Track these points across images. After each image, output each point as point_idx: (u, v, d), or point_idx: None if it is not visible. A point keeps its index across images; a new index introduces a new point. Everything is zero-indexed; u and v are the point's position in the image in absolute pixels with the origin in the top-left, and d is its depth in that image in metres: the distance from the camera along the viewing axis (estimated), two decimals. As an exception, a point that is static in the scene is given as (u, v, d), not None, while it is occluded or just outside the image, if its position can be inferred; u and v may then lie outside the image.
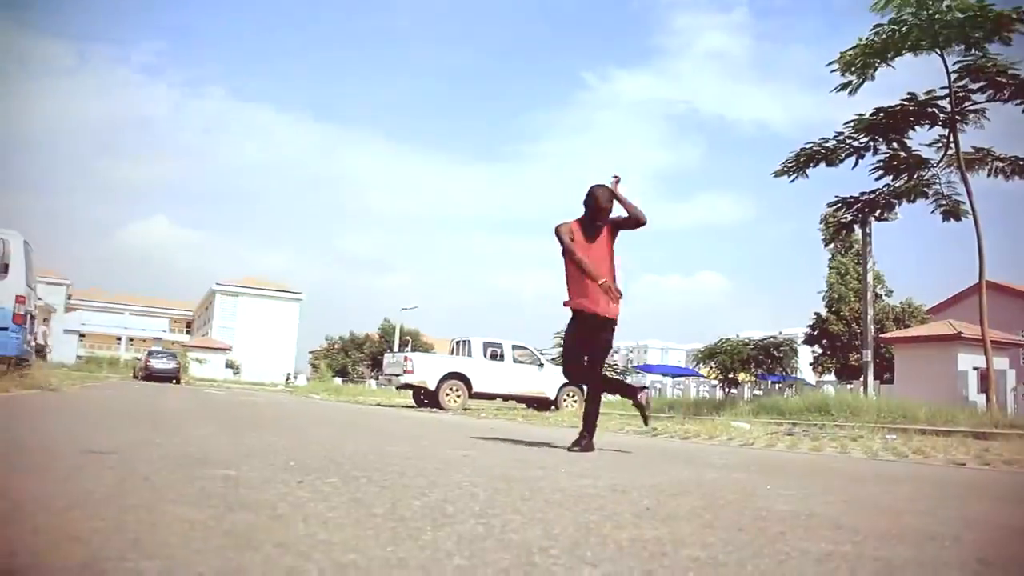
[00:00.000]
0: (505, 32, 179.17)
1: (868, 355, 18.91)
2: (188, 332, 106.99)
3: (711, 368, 40.45)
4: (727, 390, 34.62)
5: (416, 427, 9.69)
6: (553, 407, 20.52)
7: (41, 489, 2.43)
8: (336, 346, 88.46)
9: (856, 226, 18.87)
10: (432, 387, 20.25)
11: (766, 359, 40.28)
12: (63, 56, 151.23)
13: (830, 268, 48.56)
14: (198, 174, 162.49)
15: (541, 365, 21.55)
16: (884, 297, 46.23)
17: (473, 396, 20.69)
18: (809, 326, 50.38)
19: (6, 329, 12.19)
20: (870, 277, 19.37)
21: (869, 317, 19.14)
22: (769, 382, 37.41)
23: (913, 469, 6.10)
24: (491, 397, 21.43)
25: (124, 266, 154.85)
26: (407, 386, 20.85)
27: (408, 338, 71.09)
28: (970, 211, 16.27)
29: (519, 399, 21.63)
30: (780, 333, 45.33)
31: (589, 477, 3.77)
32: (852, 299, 47.06)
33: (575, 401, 21.12)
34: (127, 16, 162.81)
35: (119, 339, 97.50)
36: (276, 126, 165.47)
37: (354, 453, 4.54)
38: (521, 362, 21.52)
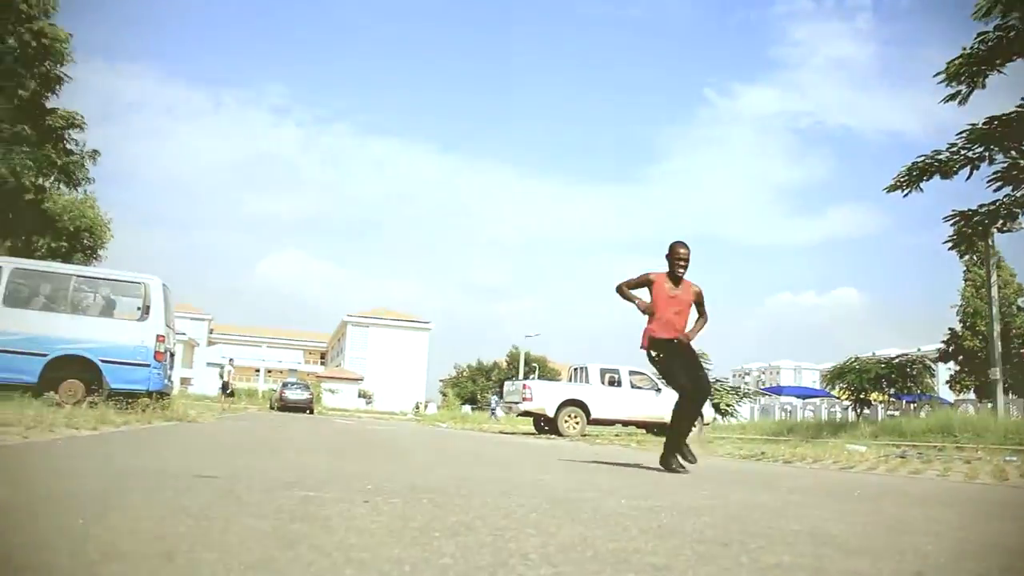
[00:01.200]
0: (620, 52, 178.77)
1: (996, 372, 18.33)
2: (322, 363, 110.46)
3: (841, 389, 39.51)
4: (859, 411, 33.76)
5: (519, 454, 10.07)
6: (672, 432, 20.57)
7: (145, 504, 2.96)
8: (464, 374, 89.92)
9: (977, 240, 18.41)
10: (551, 414, 20.63)
11: (899, 378, 39.03)
12: (201, 101, 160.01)
13: (965, 281, 46.70)
14: (328, 208, 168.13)
15: (659, 390, 21.63)
16: (1027, 310, 44.23)
17: (592, 422, 20.95)
18: (943, 342, 48.47)
19: (148, 366, 13.31)
20: (995, 291, 18.81)
21: (996, 332, 18.56)
22: (903, 402, 36.32)
23: (996, 494, 6.08)
24: (610, 423, 21.64)
25: (260, 299, 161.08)
26: (527, 413, 21.32)
27: (535, 364, 71.74)
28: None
29: (638, 424, 21.80)
30: (918, 350, 43.93)
31: (638, 498, 4.08)
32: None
33: (694, 426, 21.18)
34: (255, 61, 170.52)
35: (257, 370, 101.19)
36: (402, 158, 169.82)
37: (438, 477, 4.98)
38: (639, 387, 21.65)
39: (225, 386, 34.95)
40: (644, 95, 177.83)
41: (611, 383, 21.57)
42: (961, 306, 46.54)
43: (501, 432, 22.76)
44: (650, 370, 23.10)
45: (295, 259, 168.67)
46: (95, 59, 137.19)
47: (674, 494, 4.47)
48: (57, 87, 22.18)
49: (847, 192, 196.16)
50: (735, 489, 5.20)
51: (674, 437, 6.88)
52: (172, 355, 14.85)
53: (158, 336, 13.51)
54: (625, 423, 21.82)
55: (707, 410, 22.13)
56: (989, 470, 8.04)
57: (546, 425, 21.09)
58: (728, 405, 43.41)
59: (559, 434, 20.10)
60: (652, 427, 21.33)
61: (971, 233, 18.13)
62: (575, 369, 23.46)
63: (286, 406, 42.58)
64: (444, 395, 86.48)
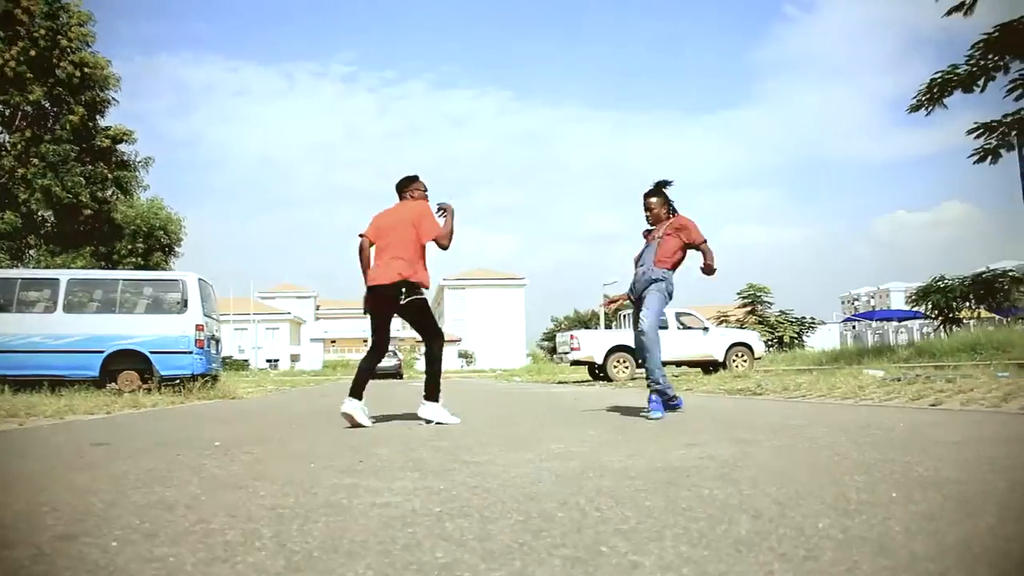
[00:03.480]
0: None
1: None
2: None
3: (928, 309, 38.80)
4: (948, 330, 33.25)
5: (554, 402, 10.58)
6: (723, 367, 21.01)
7: (143, 464, 3.81)
8: (563, 326, 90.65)
9: (1003, 151, 18.03)
10: (599, 361, 21.26)
11: (987, 294, 38.12)
12: (274, 79, 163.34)
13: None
14: (411, 170, 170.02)
15: (706, 329, 22.05)
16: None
17: (640, 366, 21.41)
18: (1041, 252, 46.81)
19: (191, 353, 14.63)
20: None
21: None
22: (998, 319, 35.49)
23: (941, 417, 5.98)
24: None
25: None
26: (577, 362, 22.01)
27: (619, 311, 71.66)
28: None
29: (689, 364, 22.28)
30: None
31: (591, 443, 4.59)
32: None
33: (744, 361, 21.51)
34: (320, 33, 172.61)
35: (365, 341, 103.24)
36: (480, 111, 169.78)
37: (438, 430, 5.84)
38: (689, 328, 22.06)
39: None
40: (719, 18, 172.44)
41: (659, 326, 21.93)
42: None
43: (559, 382, 23.41)
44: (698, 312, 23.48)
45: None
46: (160, 53, 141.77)
47: (616, 441, 4.73)
48: (104, 109, 23.92)
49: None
50: (688, 436, 5.41)
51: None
52: (217, 341, 16.10)
53: (197, 326, 14.75)
54: (677, 364, 22.26)
55: (756, 344, 22.40)
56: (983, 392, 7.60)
57: (599, 371, 21.71)
58: (792, 337, 43.14)
59: (609, 379, 20.70)
60: (703, 365, 21.77)
61: (997, 145, 17.82)
62: (623, 315, 24.02)
63: (375, 374, 43.92)
64: (542, 348, 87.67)
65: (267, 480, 3.25)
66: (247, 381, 27.56)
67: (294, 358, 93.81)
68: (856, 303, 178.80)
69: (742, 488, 2.78)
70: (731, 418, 6.38)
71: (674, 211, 7.27)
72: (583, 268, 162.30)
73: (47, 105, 23.41)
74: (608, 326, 57.52)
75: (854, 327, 52.35)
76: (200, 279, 15.30)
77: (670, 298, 7.12)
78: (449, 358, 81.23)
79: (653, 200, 7.24)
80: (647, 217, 7.27)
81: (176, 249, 28.98)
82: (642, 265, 7.18)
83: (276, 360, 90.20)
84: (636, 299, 7.18)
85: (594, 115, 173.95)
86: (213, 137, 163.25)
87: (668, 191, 7.31)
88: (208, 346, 14.94)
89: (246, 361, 78.27)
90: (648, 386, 6.89)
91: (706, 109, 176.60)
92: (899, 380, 11.05)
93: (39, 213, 23.05)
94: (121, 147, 24.55)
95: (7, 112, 23.07)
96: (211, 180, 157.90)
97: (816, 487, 2.74)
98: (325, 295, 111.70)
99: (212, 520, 2.39)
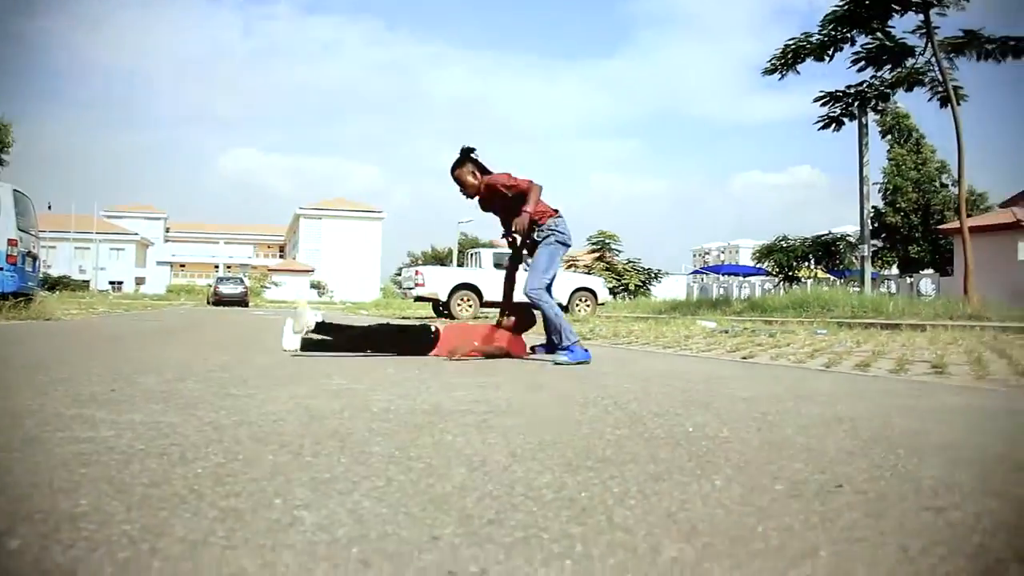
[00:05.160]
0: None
1: (865, 250, 18.88)
2: (280, 256, 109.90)
3: (771, 266, 40.45)
4: (787, 287, 34.65)
5: None
6: (565, 311, 21.14)
7: None
8: (419, 262, 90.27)
9: (846, 120, 18.61)
10: (443, 298, 21.13)
11: (824, 255, 40.00)
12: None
13: (889, 159, 47.06)
14: (283, 99, 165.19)
15: (552, 272, 22.17)
16: (950, 187, 44.66)
17: (485, 305, 21.43)
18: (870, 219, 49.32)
19: (1, 269, 13.49)
20: (867, 171, 19.02)
21: (865, 212, 18.97)
22: (833, 279, 37.25)
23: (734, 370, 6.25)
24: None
25: (221, 196, 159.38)
26: (421, 299, 21.81)
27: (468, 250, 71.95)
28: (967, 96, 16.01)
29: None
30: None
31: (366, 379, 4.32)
32: (909, 190, 45.89)
33: (588, 306, 21.73)
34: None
35: (216, 267, 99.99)
36: (348, 40, 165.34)
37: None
38: (534, 270, 22.12)
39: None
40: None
41: (503, 267, 21.94)
42: (883, 184, 46.90)
43: (402, 317, 23.17)
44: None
45: (249, 154, 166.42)
46: None
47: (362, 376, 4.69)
48: None
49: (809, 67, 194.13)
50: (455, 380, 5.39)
51: None
52: (34, 259, 15.03)
53: (9, 240, 13.62)
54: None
55: (600, 290, 22.68)
56: (796, 348, 7.96)
57: (443, 308, 21.57)
58: (638, 285, 44.27)
59: (453, 317, 20.58)
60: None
61: (841, 114, 18.35)
62: (470, 255, 23.94)
63: (220, 300, 42.85)
64: (395, 284, 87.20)
65: None
66: (79, 303, 26.21)
67: (139, 281, 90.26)
68: (707, 256, 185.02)
69: (489, 437, 2.58)
70: (541, 364, 6.23)
71: (485, 170, 6.64)
72: (441, 204, 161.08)
73: None
74: (460, 264, 57.43)
75: (702, 279, 54.02)
76: (16, 190, 14.11)
77: (564, 247, 6.62)
78: (299, 289, 79.85)
79: (461, 170, 6.58)
80: (463, 192, 6.64)
81: (2, 157, 26.84)
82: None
83: (120, 282, 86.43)
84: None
85: (464, 54, 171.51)
86: (73, 41, 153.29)
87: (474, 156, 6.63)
88: (23, 263, 13.88)
89: (87, 282, 74.86)
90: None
91: (577, 56, 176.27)
92: (726, 332, 11.37)
93: None
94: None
95: None
96: (59, 86, 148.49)
97: (568, 440, 2.56)
98: (176, 218, 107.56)
99: None
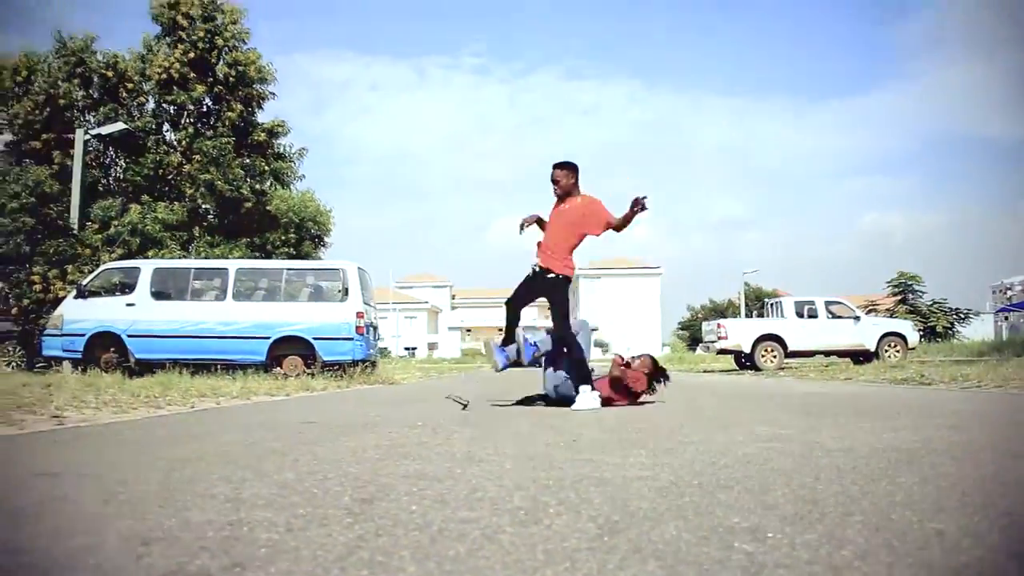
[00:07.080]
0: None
1: None
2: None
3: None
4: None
5: (734, 391, 10.52)
6: (875, 358, 20.51)
7: (368, 440, 4.14)
8: (699, 315, 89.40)
9: None
10: (747, 350, 21.10)
11: None
12: (406, 74, 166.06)
13: None
14: (546, 164, 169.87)
15: (858, 318, 21.53)
16: None
17: (790, 355, 21.19)
18: None
19: (352, 339, 15.18)
20: None
21: None
22: None
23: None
24: (808, 354, 21.81)
25: (497, 261, 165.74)
26: (724, 351, 21.89)
27: (765, 300, 70.32)
28: None
29: (839, 353, 21.86)
30: None
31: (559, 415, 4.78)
32: None
33: (897, 352, 20.92)
34: (449, 25, 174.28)
35: (500, 330, 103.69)
36: (605, 101, 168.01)
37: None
38: (838, 317, 21.61)
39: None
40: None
41: (808, 315, 21.61)
42: None
43: (705, 371, 23.31)
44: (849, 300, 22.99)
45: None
46: (296, 52, 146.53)
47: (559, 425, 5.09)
48: (262, 102, 25.09)
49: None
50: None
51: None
52: (375, 328, 16.70)
53: (357, 313, 15.30)
54: (826, 353, 21.91)
55: (910, 334, 21.75)
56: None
57: (746, 360, 21.53)
58: (946, 327, 41.42)
59: (757, 368, 20.53)
60: (852, 355, 21.32)
61: None
62: (770, 304, 23.75)
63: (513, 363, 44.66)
64: (680, 338, 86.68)
65: (508, 457, 3.41)
66: (393, 368, 28.39)
67: (432, 346, 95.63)
68: (1008, 292, 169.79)
69: (846, 484, 2.81)
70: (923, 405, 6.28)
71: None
72: (714, 256, 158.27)
73: (208, 103, 24.70)
74: (748, 315, 56.79)
75: (1006, 318, 50.12)
76: (359, 268, 15.87)
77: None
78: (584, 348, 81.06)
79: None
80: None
81: (325, 239, 30.06)
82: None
83: (414, 348, 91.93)
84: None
85: (719, 101, 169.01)
86: (348, 132, 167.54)
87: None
88: (367, 333, 15.51)
89: (386, 349, 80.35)
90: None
91: (831, 95, 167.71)
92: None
93: (202, 205, 24.32)
94: (276, 140, 25.63)
95: (172, 111, 24.46)
96: (346, 173, 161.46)
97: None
98: (459, 285, 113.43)
99: (487, 488, 2.57)
